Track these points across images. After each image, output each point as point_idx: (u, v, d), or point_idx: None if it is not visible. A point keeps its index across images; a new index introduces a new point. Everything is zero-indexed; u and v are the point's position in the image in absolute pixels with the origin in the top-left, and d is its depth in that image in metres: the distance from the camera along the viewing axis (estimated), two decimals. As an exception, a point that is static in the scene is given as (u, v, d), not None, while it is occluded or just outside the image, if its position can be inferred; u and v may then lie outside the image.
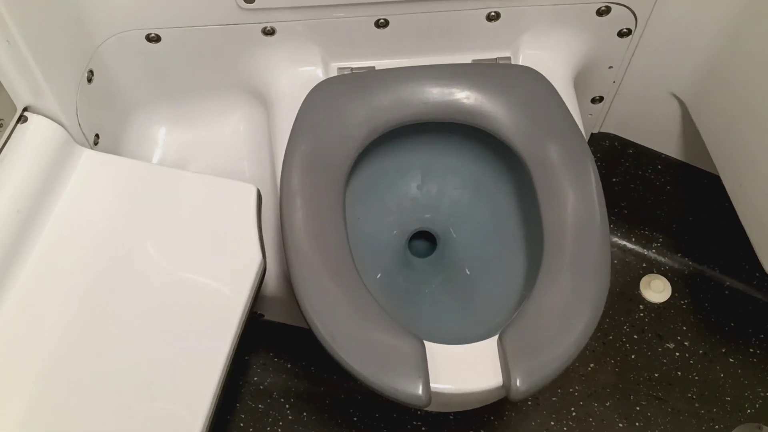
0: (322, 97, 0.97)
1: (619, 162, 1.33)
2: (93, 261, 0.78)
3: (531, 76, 0.99)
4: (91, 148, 0.93)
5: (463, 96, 0.98)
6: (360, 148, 0.95)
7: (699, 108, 1.12)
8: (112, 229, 0.81)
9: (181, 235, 0.81)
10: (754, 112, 0.96)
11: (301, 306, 0.79)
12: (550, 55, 1.06)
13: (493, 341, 0.79)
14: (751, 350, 1.30)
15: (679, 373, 1.30)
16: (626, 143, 1.30)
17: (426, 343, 0.78)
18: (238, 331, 0.75)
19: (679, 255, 1.40)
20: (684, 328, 1.34)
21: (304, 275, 0.80)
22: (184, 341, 0.74)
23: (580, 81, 1.13)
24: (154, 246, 0.80)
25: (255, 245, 0.80)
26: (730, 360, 1.30)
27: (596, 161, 1.32)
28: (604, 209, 0.89)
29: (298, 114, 0.94)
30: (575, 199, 0.89)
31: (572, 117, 0.97)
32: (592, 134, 1.31)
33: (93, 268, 0.78)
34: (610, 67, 1.14)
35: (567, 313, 0.79)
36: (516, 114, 0.96)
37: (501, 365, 0.77)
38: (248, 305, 0.77)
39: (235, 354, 0.76)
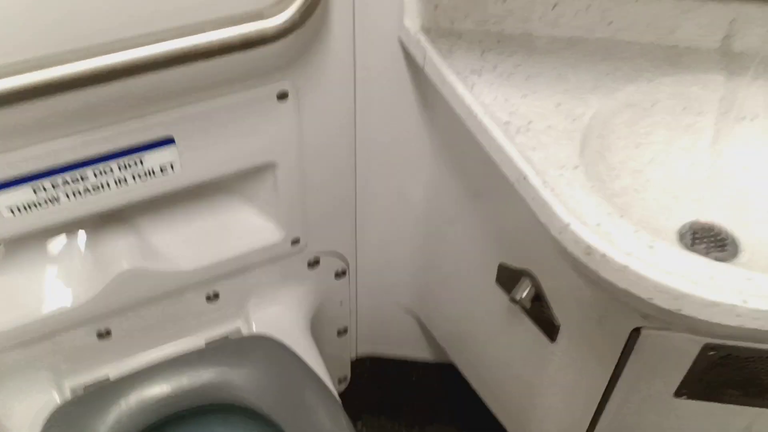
0: (59, 427, 0.94)
1: (387, 376, 1.40)
2: None
3: (263, 343, 1.04)
4: None
5: (206, 380, 1.00)
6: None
7: (427, 315, 1.24)
8: None
9: None
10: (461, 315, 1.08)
11: None
12: (279, 312, 1.12)
13: None
14: None
15: None
16: (387, 359, 1.38)
17: None
18: None
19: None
20: None
21: None
22: None
23: (318, 321, 1.20)
24: None
25: None
26: None
27: (364, 382, 1.39)
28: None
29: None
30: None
31: (310, 369, 1.02)
32: (352, 360, 1.37)
33: None
34: (341, 303, 1.22)
35: None
36: (259, 383, 0.99)
37: None
38: None
39: None
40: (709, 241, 0.77)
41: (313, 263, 1.12)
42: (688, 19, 0.80)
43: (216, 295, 1.06)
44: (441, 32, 0.83)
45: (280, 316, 1.12)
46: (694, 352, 0.83)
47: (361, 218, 1.10)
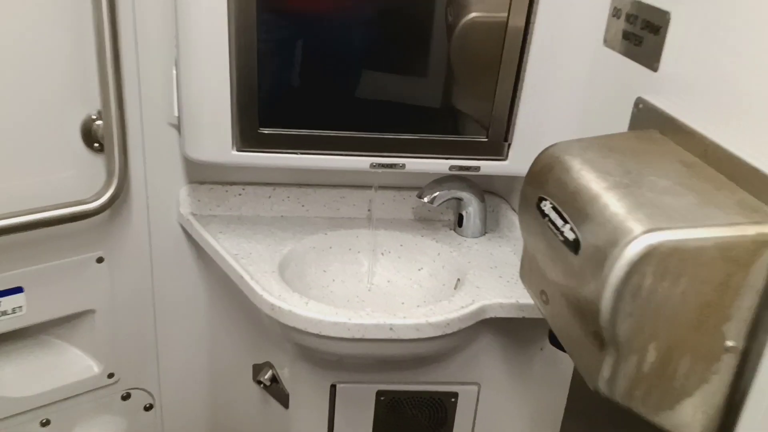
0: None
1: None
2: None
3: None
4: None
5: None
6: None
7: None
8: None
9: None
10: None
11: None
12: (99, 437, 1.48)
13: None
14: None
15: None
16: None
17: None
18: None
19: None
20: None
21: None
22: None
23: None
24: None
25: None
26: None
27: None
28: None
29: None
30: None
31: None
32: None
33: None
34: None
35: None
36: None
37: None
38: None
39: None
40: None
41: (126, 396, 1.52)
42: (346, 201, 1.42)
43: (48, 422, 1.42)
44: (203, 215, 1.38)
45: (99, 440, 1.48)
46: (371, 398, 1.32)
47: (163, 357, 1.53)
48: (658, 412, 0.77)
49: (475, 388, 1.32)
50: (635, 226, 0.69)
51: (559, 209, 0.79)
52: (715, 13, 0.79)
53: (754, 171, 0.72)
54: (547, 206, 0.82)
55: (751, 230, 0.68)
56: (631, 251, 0.68)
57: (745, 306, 0.72)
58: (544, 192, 0.83)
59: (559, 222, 0.79)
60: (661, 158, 0.82)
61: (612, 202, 0.74)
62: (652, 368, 0.74)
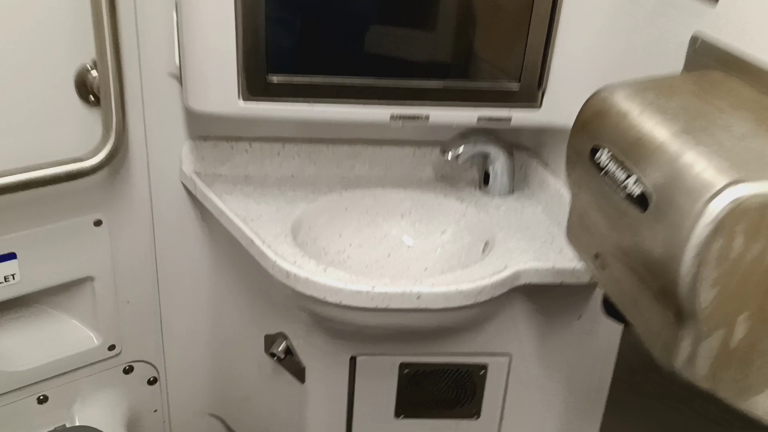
0: None
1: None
2: None
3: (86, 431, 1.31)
4: None
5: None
6: None
7: (229, 414, 1.54)
8: None
9: None
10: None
11: None
12: (100, 413, 1.39)
13: None
14: None
15: None
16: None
17: None
18: None
19: None
20: None
21: None
22: None
23: (134, 428, 1.46)
24: None
25: None
26: None
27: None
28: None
29: None
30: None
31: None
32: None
33: None
34: (155, 410, 1.51)
35: None
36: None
37: None
38: None
39: None
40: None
41: (128, 370, 1.43)
42: (361, 158, 1.31)
43: (45, 398, 1.33)
44: (206, 173, 1.27)
45: (101, 416, 1.40)
46: (395, 371, 1.22)
47: (167, 328, 1.44)
48: (746, 397, 0.67)
49: (506, 359, 1.23)
50: (718, 177, 0.58)
51: (621, 159, 0.68)
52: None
53: None
54: (603, 157, 0.71)
55: None
56: (715, 207, 0.57)
57: None
58: (600, 141, 0.72)
59: (620, 174, 0.68)
60: (731, 100, 0.71)
61: (686, 149, 0.63)
62: (740, 346, 0.64)
